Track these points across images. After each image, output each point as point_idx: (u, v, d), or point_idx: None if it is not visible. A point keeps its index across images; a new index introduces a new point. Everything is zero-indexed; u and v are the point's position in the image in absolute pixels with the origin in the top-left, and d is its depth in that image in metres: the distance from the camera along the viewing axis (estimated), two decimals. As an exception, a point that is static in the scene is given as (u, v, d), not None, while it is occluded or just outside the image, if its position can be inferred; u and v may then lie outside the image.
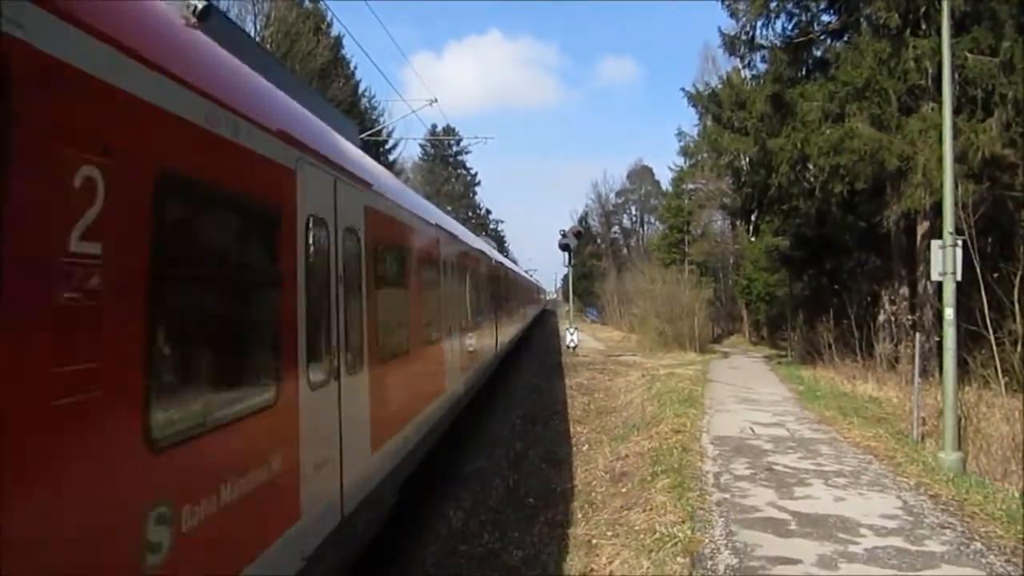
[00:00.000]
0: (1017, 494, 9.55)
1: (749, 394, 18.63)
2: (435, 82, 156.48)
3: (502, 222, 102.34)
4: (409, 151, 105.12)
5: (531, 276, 60.01)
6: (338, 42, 38.73)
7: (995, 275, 16.73)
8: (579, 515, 9.45)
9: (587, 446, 13.84)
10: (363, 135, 29.05)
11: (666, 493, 9.06)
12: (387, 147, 45.76)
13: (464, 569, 8.00)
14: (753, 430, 13.34)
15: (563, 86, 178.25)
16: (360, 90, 43.28)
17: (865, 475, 10.08)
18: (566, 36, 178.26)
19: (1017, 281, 15.47)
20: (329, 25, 37.41)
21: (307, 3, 36.49)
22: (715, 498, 8.87)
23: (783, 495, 9.01)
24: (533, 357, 30.90)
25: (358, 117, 39.28)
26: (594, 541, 8.14)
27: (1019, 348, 14.43)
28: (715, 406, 16.33)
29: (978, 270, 14.68)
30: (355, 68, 42.15)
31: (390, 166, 39.56)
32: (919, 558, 6.83)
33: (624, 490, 10.06)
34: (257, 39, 32.48)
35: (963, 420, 12.16)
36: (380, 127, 39.24)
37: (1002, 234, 21.11)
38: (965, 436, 12.06)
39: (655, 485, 9.57)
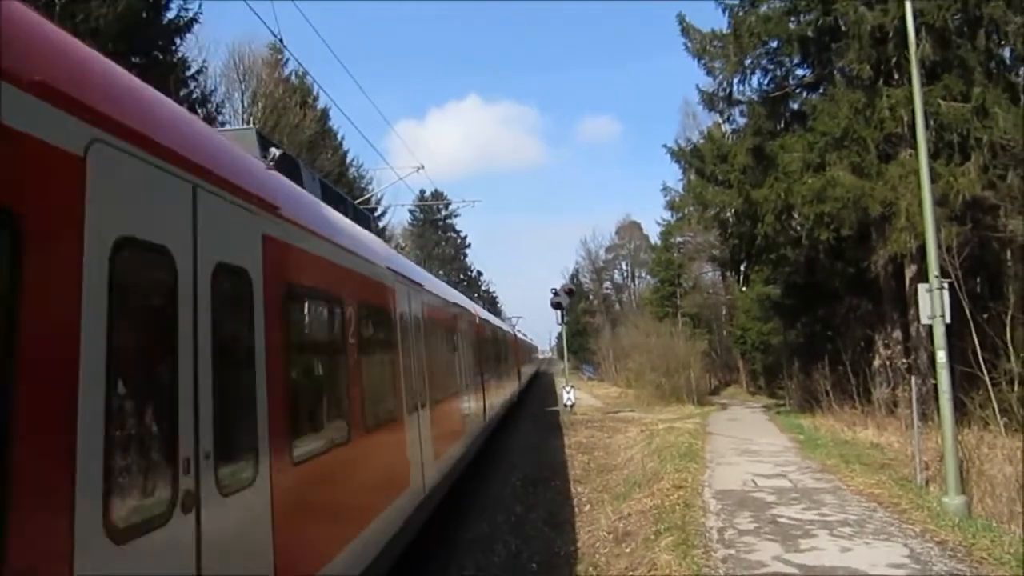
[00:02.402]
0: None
1: (749, 445, 18.47)
2: (420, 148, 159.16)
3: (493, 284, 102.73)
4: (398, 217, 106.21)
5: (524, 334, 59.24)
6: (324, 114, 39.55)
7: (985, 316, 16.82)
8: (583, 579, 9.27)
9: (588, 506, 13.65)
10: (354, 203, 29.42)
11: (670, 552, 8.91)
12: (377, 214, 46.22)
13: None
14: (755, 483, 13.19)
15: (546, 145, 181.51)
16: (348, 159, 43.97)
17: (870, 524, 9.95)
18: (544, 97, 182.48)
19: (1008, 320, 15.55)
20: (315, 98, 38.25)
21: (293, 79, 37.33)
22: (720, 555, 8.72)
23: (789, 548, 8.87)
24: (530, 416, 30.67)
25: (347, 186, 39.81)
26: (600, 605, 7.97)
27: (1016, 388, 14.41)
28: (716, 459, 16.17)
29: (968, 311, 14.77)
30: (342, 138, 42.90)
31: (380, 233, 39.88)
32: (930, 608, 6.70)
33: (628, 550, 9.89)
34: (245, 115, 33.15)
35: (965, 463, 12.07)
36: (369, 195, 39.72)
37: (989, 274, 21.33)
38: (968, 479, 11.94)
39: (659, 544, 9.41)
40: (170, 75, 24.34)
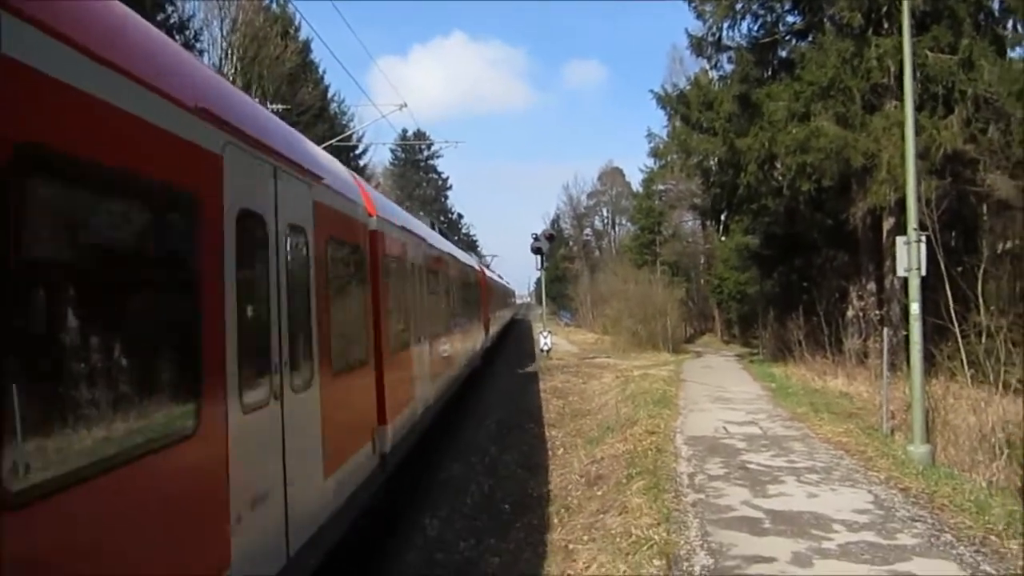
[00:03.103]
0: (985, 484, 9.70)
1: (722, 393, 18.76)
2: (402, 86, 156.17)
3: (473, 227, 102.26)
4: (380, 156, 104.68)
5: (500, 277, 58.18)
6: (306, 46, 38.44)
7: (959, 269, 17.01)
8: (555, 520, 9.43)
9: (562, 450, 13.84)
10: (333, 140, 28.88)
11: (641, 495, 9.06)
12: (357, 152, 45.53)
13: (441, 578, 7.94)
14: (726, 429, 13.42)
15: (533, 89, 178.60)
16: (329, 95, 43.02)
17: (837, 471, 10.18)
18: (533, 39, 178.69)
19: (980, 274, 15.74)
20: (297, 29, 37.14)
21: (275, 7, 36.19)
22: (690, 499, 8.90)
23: (757, 493, 9.06)
24: (508, 359, 30.88)
25: (328, 122, 39.08)
26: (571, 546, 8.12)
27: (984, 340, 14.67)
28: (689, 406, 16.42)
29: (942, 264, 14.92)
30: (324, 72, 41.89)
31: (361, 171, 39.31)
32: (891, 552, 6.89)
33: (600, 493, 10.07)
34: (224, 44, 32.19)
35: (931, 413, 12.33)
36: (350, 132, 39.05)
37: (965, 228, 21.51)
38: (933, 428, 12.22)
39: (630, 487, 9.57)
40: None
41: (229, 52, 32.22)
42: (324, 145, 18.53)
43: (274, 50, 33.76)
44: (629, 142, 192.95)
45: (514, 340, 43.54)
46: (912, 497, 8.81)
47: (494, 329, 33.26)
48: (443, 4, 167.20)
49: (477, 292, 24.79)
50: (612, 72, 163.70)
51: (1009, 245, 18.58)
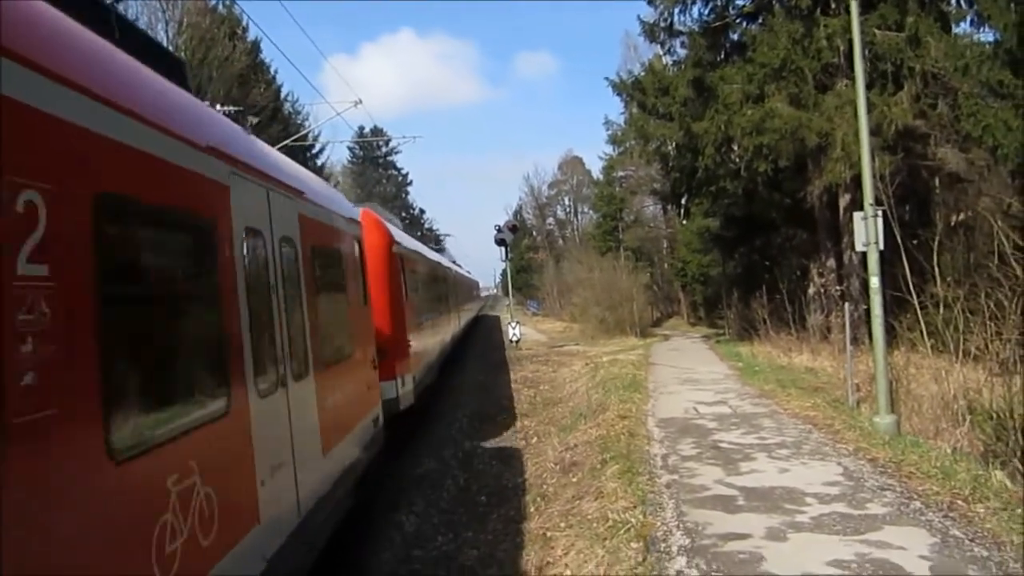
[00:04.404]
0: (949, 451, 9.92)
1: (691, 374, 18.95)
2: (355, 84, 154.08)
3: (436, 222, 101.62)
4: (338, 155, 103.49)
5: (463, 268, 56.58)
6: (255, 47, 37.83)
7: (915, 242, 17.33)
8: (532, 509, 9.44)
9: (536, 439, 13.86)
10: (288, 140, 28.47)
11: (616, 479, 9.11)
12: (314, 152, 44.97)
13: (420, 575, 7.89)
14: (697, 410, 13.56)
15: (486, 82, 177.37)
16: (282, 95, 42.38)
17: (806, 445, 10.34)
18: (480, 32, 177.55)
19: (936, 246, 16.06)
20: (245, 30, 36.51)
21: (221, 8, 35.51)
22: (664, 480, 8.96)
23: (730, 472, 9.16)
24: (477, 352, 30.83)
25: (282, 122, 38.48)
26: (548, 534, 8.13)
27: (942, 311, 14.98)
28: (659, 389, 16.55)
29: (899, 238, 15.19)
30: (275, 72, 41.24)
31: (318, 171, 38.83)
32: (863, 521, 7.02)
33: (575, 480, 10.09)
34: (169, 47, 31.47)
35: (895, 383, 12.56)
36: (305, 131, 38.52)
37: (919, 202, 21.96)
38: (898, 399, 12.46)
39: (605, 472, 9.61)
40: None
41: (176, 55, 31.51)
42: (279, 146, 18.27)
43: (223, 51, 33.15)
44: (587, 131, 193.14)
45: (483, 333, 43.48)
46: (880, 467, 8.98)
47: (463, 319, 34.52)
48: (389, 3, 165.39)
49: (446, 287, 25.95)
50: (564, 62, 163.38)
51: (962, 217, 18.98)
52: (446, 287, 25.54)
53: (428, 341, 16.60)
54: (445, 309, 23.18)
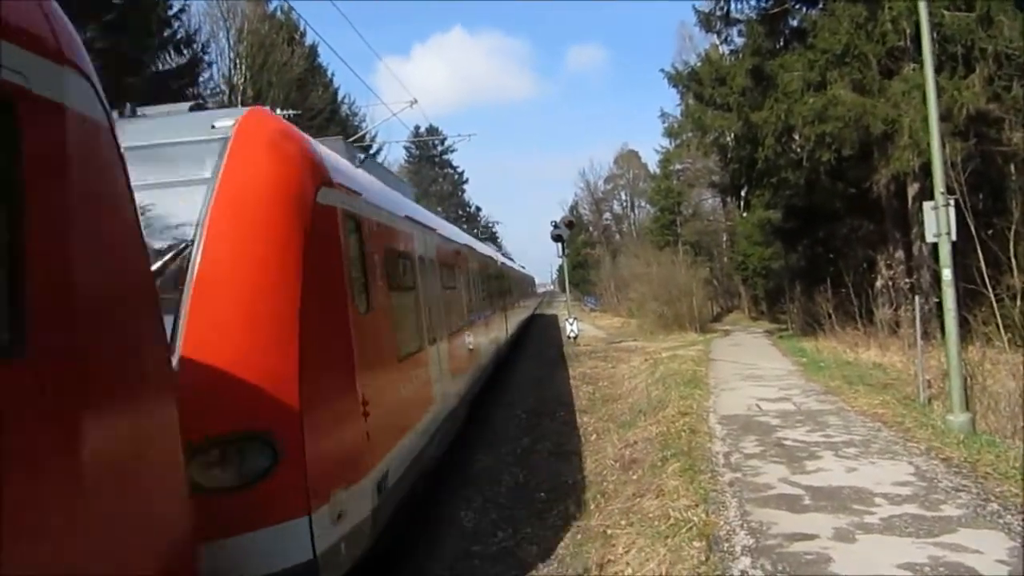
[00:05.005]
0: (1029, 450, 9.48)
1: (753, 370, 18.58)
2: (408, 84, 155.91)
3: (498, 223, 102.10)
4: (394, 154, 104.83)
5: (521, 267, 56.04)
6: (313, 51, 38.57)
7: (989, 231, 16.65)
8: (592, 506, 9.37)
9: (595, 435, 13.77)
10: (347, 141, 28.90)
11: (677, 477, 8.98)
12: (372, 152, 45.61)
13: (479, 570, 7.92)
14: (760, 407, 13.28)
15: (538, 77, 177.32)
16: (339, 97, 43.11)
17: (875, 443, 10.02)
18: (530, 28, 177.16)
19: (1012, 235, 15.38)
20: (303, 35, 37.25)
21: (279, 15, 36.29)
22: (727, 478, 8.80)
23: (795, 470, 8.94)
24: (534, 350, 30.84)
25: (340, 124, 39.17)
26: (609, 531, 8.06)
27: (1019, 303, 14.34)
28: (720, 385, 16.28)
29: (972, 227, 14.61)
30: (332, 75, 41.97)
31: (376, 170, 39.31)
32: (936, 523, 6.76)
33: (635, 477, 9.99)
34: (232, 55, 32.33)
35: (969, 380, 12.08)
36: (363, 132, 39.10)
37: (993, 189, 21.03)
38: (972, 396, 11.97)
39: (666, 470, 9.48)
40: (151, 15, 23.62)
41: (237, 62, 32.36)
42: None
43: (281, 57, 33.88)
44: (643, 123, 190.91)
45: (539, 329, 43.48)
46: (954, 467, 8.64)
47: (521, 317, 34.23)
48: (440, 2, 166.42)
49: (500, 284, 25.66)
50: (615, 54, 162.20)
51: (1040, 204, 18.15)
52: (493, 286, 22.08)
53: (434, 379, 9.44)
54: (488, 314, 18.79)
